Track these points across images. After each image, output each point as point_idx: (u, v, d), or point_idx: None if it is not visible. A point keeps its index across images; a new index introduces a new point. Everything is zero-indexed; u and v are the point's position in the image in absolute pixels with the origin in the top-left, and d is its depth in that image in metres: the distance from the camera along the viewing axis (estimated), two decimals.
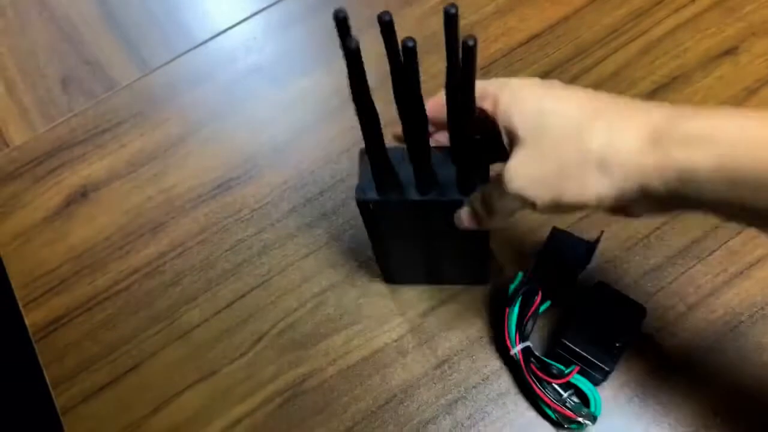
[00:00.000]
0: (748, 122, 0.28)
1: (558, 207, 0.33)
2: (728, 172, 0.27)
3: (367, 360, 0.49)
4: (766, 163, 0.26)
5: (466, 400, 0.47)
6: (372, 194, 0.38)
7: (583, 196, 0.31)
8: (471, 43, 0.29)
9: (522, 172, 0.33)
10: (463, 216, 0.39)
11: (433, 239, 0.44)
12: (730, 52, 0.58)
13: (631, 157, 0.29)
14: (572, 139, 0.31)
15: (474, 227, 0.39)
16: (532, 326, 0.48)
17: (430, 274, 0.50)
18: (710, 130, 0.28)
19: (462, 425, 0.47)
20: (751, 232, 0.50)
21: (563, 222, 0.51)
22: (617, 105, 0.32)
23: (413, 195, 0.38)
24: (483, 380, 0.48)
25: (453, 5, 0.29)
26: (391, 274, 0.51)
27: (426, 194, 0.38)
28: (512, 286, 0.48)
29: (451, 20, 0.29)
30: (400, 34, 0.29)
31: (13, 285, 0.55)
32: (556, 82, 0.34)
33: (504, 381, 0.48)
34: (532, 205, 0.33)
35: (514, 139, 0.34)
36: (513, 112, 0.33)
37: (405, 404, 0.48)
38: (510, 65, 0.60)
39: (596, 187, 0.31)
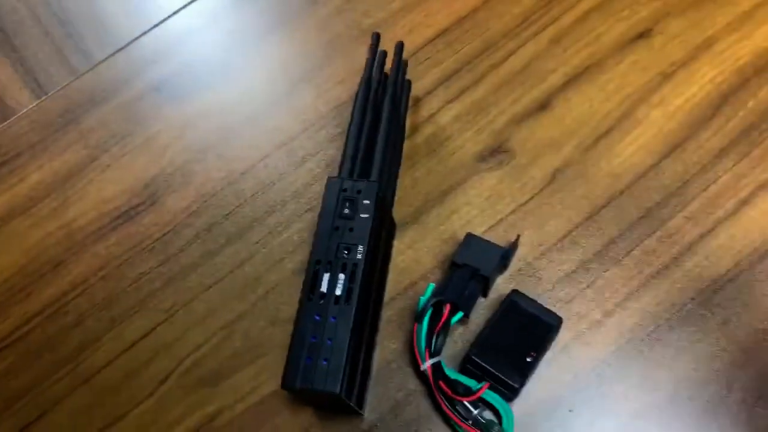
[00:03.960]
0: None
1: None
2: None
3: (277, 394, 0.47)
4: None
5: (377, 429, 0.45)
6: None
7: None
8: None
9: None
10: None
11: None
12: (644, 34, 0.55)
13: None
14: None
15: None
16: (443, 340, 0.46)
17: None
18: None
19: None
20: (667, 229, 0.48)
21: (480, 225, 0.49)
22: None
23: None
24: (395, 405, 0.46)
25: None
26: None
27: None
28: (422, 299, 0.46)
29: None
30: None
31: None
32: None
33: (417, 405, 0.46)
34: None
35: None
36: None
37: None
38: (417, 65, 0.56)
39: None
